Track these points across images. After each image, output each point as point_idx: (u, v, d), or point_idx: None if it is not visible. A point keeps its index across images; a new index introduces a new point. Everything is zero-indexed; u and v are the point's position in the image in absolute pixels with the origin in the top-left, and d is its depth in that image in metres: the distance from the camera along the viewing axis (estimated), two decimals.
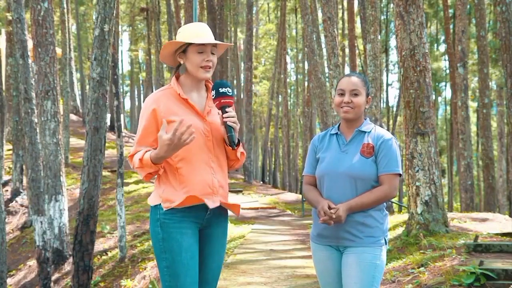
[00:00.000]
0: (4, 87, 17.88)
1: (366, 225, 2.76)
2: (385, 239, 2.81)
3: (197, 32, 2.74)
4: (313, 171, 2.92)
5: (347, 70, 28.53)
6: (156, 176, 2.79)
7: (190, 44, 2.74)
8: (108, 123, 26.28)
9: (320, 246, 2.89)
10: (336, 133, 2.91)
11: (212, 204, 2.73)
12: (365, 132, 2.85)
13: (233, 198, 16.71)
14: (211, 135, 2.77)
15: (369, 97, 2.88)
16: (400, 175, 2.79)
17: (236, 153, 2.83)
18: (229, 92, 2.73)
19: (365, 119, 2.91)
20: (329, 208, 2.72)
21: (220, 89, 2.71)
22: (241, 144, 2.84)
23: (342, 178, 2.78)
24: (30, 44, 11.59)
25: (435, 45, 36.19)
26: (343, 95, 2.84)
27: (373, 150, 2.80)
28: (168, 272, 2.68)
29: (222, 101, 2.70)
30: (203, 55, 2.74)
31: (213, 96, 2.73)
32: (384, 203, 2.82)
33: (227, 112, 2.69)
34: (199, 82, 2.83)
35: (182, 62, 2.79)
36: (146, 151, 2.66)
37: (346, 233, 2.77)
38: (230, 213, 3.00)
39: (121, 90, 45.24)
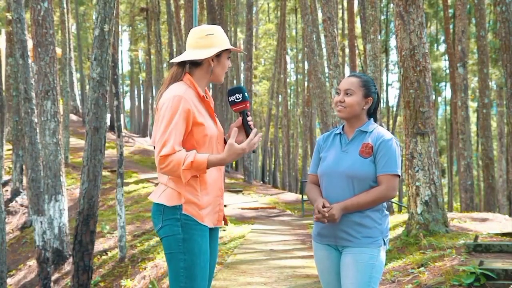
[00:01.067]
0: (4, 87, 17.85)
1: (363, 226, 2.76)
2: (384, 240, 2.80)
3: (227, 38, 2.83)
4: (316, 170, 2.94)
5: (347, 70, 28.53)
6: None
7: (226, 49, 2.80)
8: (108, 123, 26.28)
9: (320, 245, 2.90)
10: (340, 133, 2.93)
11: (219, 223, 2.83)
12: (367, 132, 2.85)
13: (233, 198, 16.72)
14: (220, 138, 2.83)
15: (369, 97, 2.87)
16: (399, 176, 2.79)
17: None
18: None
19: (368, 120, 2.91)
20: (324, 206, 2.73)
21: (246, 93, 2.77)
22: None
23: (340, 177, 2.79)
24: (30, 44, 11.58)
25: (435, 45, 36.17)
26: (339, 94, 2.86)
27: (372, 150, 2.79)
28: (185, 274, 2.66)
29: (248, 105, 2.78)
30: (229, 61, 2.85)
31: (237, 99, 2.75)
32: (384, 204, 2.82)
33: (248, 116, 2.76)
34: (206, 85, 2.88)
35: (212, 65, 2.79)
36: (196, 154, 2.60)
37: (344, 233, 2.77)
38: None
39: (121, 90, 45.25)
